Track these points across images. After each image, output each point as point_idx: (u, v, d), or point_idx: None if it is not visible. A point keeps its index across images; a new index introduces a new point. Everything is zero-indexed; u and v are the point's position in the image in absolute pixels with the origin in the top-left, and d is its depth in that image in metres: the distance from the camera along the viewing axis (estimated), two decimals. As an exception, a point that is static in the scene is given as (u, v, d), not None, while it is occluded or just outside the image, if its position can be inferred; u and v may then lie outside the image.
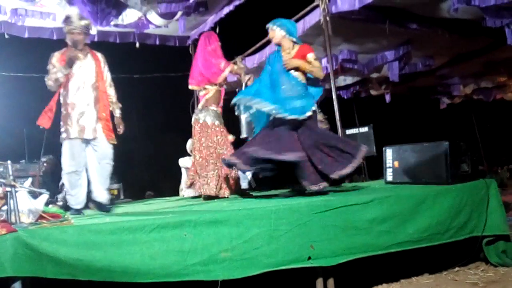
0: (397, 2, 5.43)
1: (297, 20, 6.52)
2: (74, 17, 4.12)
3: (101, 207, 4.16)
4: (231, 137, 4.92)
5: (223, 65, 4.59)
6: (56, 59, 4.07)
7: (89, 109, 4.10)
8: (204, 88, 4.65)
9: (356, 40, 7.18)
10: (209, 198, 4.54)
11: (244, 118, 7.06)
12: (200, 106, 4.70)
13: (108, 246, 2.58)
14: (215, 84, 4.63)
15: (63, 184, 5.85)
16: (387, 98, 10.05)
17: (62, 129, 4.08)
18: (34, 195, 3.17)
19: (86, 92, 4.11)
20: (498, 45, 7.41)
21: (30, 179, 3.73)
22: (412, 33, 6.79)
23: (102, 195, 4.20)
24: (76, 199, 4.12)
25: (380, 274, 3.36)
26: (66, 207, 4.23)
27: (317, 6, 5.99)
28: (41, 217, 3.00)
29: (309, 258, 2.95)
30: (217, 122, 4.65)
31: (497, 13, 5.84)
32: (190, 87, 4.87)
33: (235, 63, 4.97)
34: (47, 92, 4.12)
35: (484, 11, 5.79)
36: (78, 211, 4.06)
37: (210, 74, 4.57)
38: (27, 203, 2.96)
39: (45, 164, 7.02)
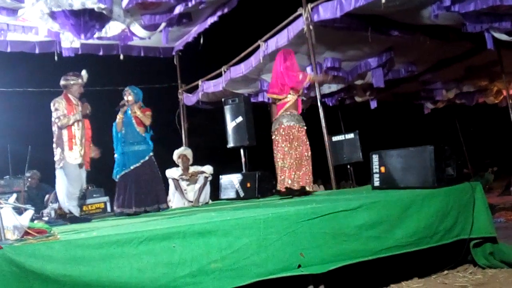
0: (378, 10, 5.49)
1: (280, 30, 6.57)
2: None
3: None
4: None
5: (301, 77, 5.03)
6: None
7: None
8: (285, 97, 5.02)
9: (340, 47, 7.24)
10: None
11: (230, 127, 7.05)
12: (281, 112, 4.99)
13: (96, 261, 2.54)
14: (296, 93, 5.03)
15: (48, 199, 5.77)
16: (372, 104, 10.11)
17: None
18: (19, 211, 3.12)
19: None
20: (478, 50, 7.52)
21: (14, 195, 3.66)
22: (394, 40, 6.87)
23: None
24: None
25: (370, 279, 3.36)
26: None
27: (300, 15, 6.04)
28: (26, 233, 2.95)
29: (299, 266, 2.95)
30: (301, 124, 5.00)
31: (477, 18, 5.93)
32: (269, 95, 5.36)
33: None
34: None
35: (464, 16, 5.88)
36: None
37: (293, 83, 4.98)
38: (12, 219, 2.91)
39: (29, 179, 6.92)
